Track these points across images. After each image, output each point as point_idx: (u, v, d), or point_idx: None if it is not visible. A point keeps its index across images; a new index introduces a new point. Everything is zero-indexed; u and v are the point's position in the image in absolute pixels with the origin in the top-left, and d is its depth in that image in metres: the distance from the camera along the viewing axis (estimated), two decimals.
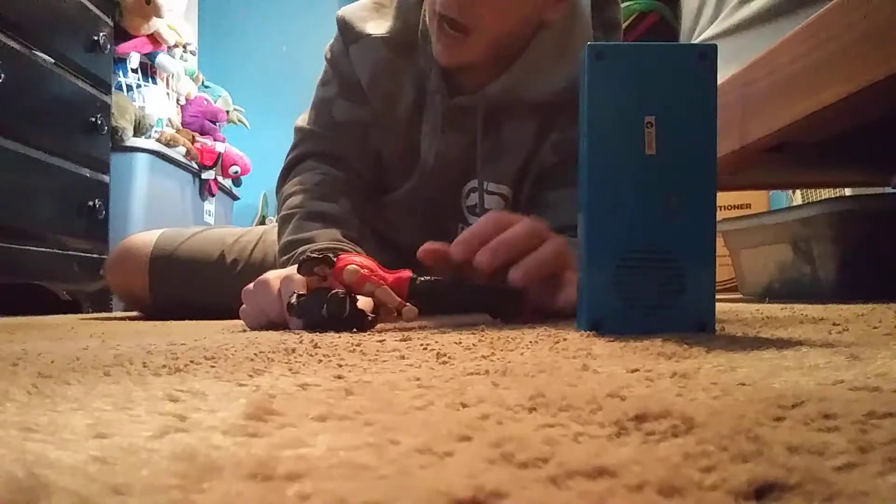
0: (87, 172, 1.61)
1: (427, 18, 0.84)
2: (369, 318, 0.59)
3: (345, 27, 0.91)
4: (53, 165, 1.47)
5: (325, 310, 0.57)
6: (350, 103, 0.93)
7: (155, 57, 2.15)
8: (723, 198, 2.05)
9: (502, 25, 0.79)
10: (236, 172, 2.48)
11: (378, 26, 0.89)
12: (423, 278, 0.63)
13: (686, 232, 0.47)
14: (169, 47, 2.20)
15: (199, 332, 0.64)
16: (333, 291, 0.58)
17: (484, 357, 0.37)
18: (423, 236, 0.67)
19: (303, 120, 0.97)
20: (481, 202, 0.90)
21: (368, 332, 0.56)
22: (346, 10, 0.92)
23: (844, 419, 0.19)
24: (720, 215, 1.71)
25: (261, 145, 2.76)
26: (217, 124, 2.50)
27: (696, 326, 0.47)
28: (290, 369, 0.33)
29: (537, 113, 0.87)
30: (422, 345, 0.43)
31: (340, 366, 0.34)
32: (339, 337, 0.51)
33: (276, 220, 0.92)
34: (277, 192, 0.95)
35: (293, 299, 0.59)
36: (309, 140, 0.95)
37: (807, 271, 1.19)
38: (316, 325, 0.59)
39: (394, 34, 0.89)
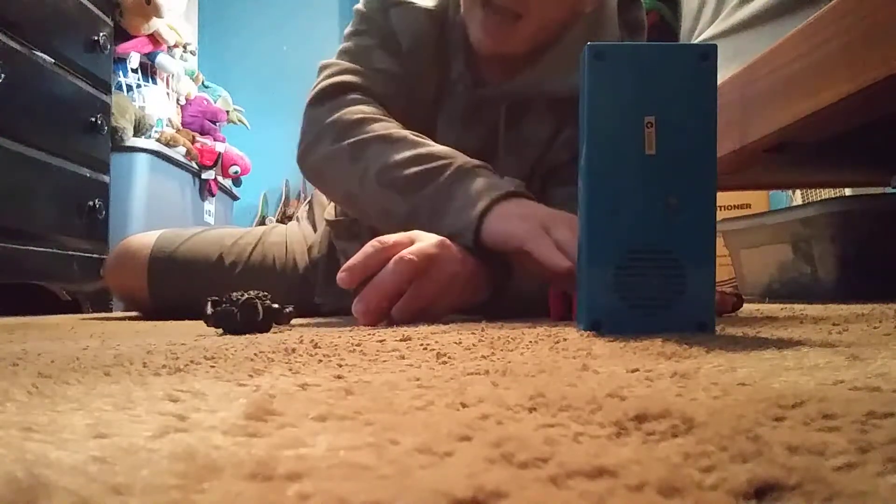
0: (87, 172, 1.61)
1: (463, 6, 0.83)
2: (285, 311, 0.63)
3: None
4: (53, 165, 1.47)
5: (240, 316, 0.59)
6: (390, 55, 0.86)
7: (155, 57, 2.15)
8: (723, 198, 2.05)
9: (551, 12, 0.79)
10: (236, 172, 2.48)
11: None
12: None
13: (686, 232, 0.47)
14: (169, 47, 2.20)
15: (198, 332, 0.64)
16: (245, 299, 0.60)
17: (484, 357, 0.37)
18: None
19: (333, 61, 0.89)
20: None
21: (368, 333, 0.56)
22: None
23: (844, 419, 0.19)
24: (720, 215, 1.71)
25: (261, 145, 2.76)
26: (217, 124, 2.50)
27: (696, 326, 0.47)
28: (290, 369, 0.33)
29: (556, 110, 0.88)
30: (422, 345, 0.43)
31: (340, 366, 0.34)
32: (339, 337, 0.51)
33: (316, 145, 0.81)
34: (308, 111, 0.84)
35: (209, 310, 0.60)
36: (350, 73, 0.85)
37: (807, 271, 1.19)
38: (235, 331, 0.60)
39: (439, 10, 0.86)
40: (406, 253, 0.62)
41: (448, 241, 0.66)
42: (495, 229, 0.67)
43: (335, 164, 0.81)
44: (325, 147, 0.81)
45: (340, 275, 0.63)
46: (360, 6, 0.92)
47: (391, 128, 0.79)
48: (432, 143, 0.77)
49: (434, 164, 0.73)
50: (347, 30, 0.92)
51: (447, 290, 0.65)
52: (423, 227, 0.70)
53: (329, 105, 0.83)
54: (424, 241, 0.64)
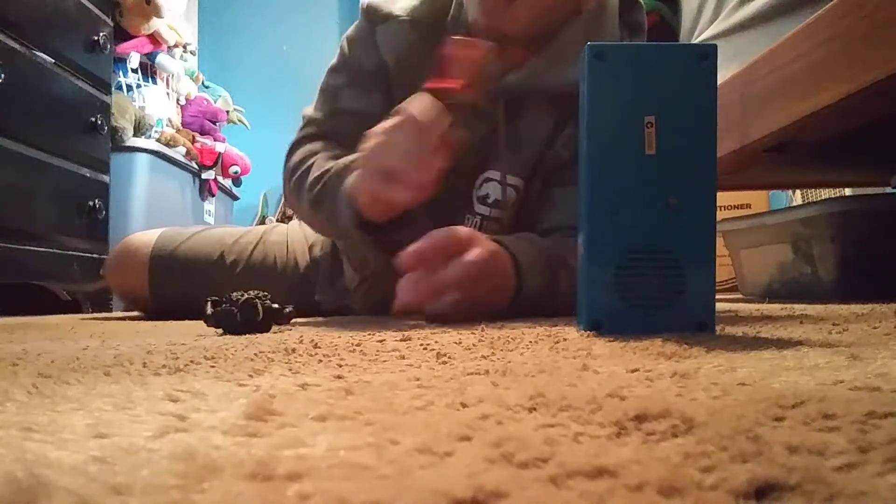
0: (87, 172, 1.61)
1: None
2: (285, 311, 0.64)
3: (371, 11, 0.92)
4: (53, 165, 1.47)
5: (240, 316, 0.59)
6: (358, 92, 0.92)
7: (155, 57, 2.15)
8: (723, 198, 2.05)
9: None
10: (236, 172, 2.48)
11: (405, 6, 0.90)
12: None
13: (686, 232, 0.47)
14: (169, 47, 2.20)
15: (198, 332, 0.64)
16: (245, 299, 0.60)
17: (484, 357, 0.37)
18: (430, 228, 0.67)
19: (311, 108, 0.98)
20: (504, 194, 0.90)
21: (368, 333, 0.56)
22: None
23: (844, 419, 0.19)
24: (720, 215, 1.71)
25: (261, 145, 2.75)
26: (217, 124, 2.50)
27: (696, 326, 0.47)
28: (290, 369, 0.33)
29: (555, 106, 0.88)
30: (422, 345, 0.43)
31: (340, 366, 0.34)
32: (339, 337, 0.51)
33: (286, 192, 0.94)
34: (283, 172, 0.95)
35: (209, 310, 0.61)
36: (311, 125, 0.95)
37: (807, 271, 1.19)
38: (235, 331, 0.60)
39: (421, 16, 0.89)
40: (473, 259, 0.64)
41: (500, 251, 0.69)
42: (354, 192, 0.73)
43: (293, 200, 0.93)
44: (287, 190, 0.95)
45: (405, 258, 0.64)
46: (343, 39, 0.96)
47: (316, 157, 0.88)
48: (336, 159, 0.84)
49: (325, 178, 0.82)
50: (330, 63, 0.97)
51: (490, 297, 0.68)
52: (337, 233, 0.80)
53: (293, 157, 0.93)
54: (483, 247, 0.67)
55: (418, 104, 0.69)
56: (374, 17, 0.91)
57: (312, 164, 0.86)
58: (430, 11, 0.89)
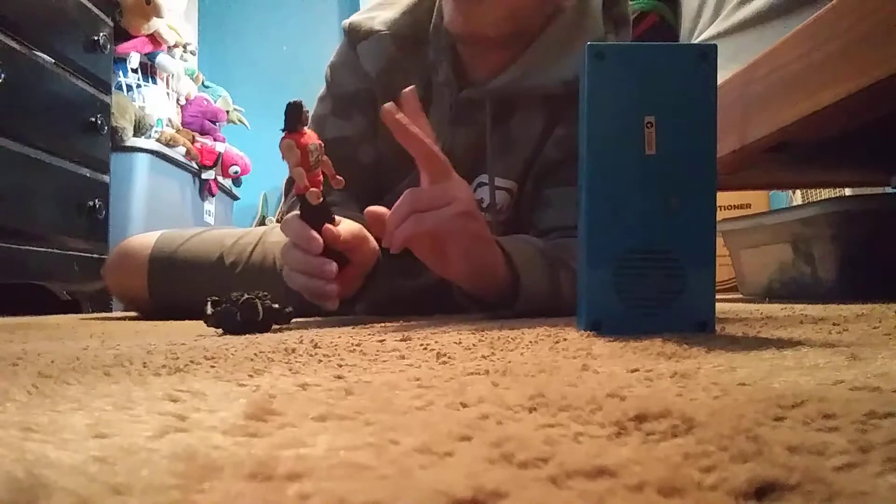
0: (87, 172, 1.61)
1: None
2: (285, 311, 0.64)
3: (352, 30, 0.92)
4: (53, 165, 1.47)
5: (240, 316, 0.60)
6: (339, 120, 0.94)
7: (155, 57, 2.15)
8: (723, 198, 2.05)
9: None
10: (236, 172, 2.48)
11: (385, 19, 0.91)
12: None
13: (686, 232, 0.47)
14: (169, 47, 2.20)
15: (198, 332, 0.64)
16: (245, 299, 0.60)
17: (484, 357, 0.37)
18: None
19: None
20: (492, 197, 0.89)
21: (368, 333, 0.56)
22: (352, 17, 0.95)
23: (844, 419, 0.19)
24: (720, 215, 1.71)
25: (261, 145, 2.75)
26: (217, 124, 2.50)
27: (696, 326, 0.47)
28: (290, 369, 0.33)
29: (545, 106, 0.88)
30: (422, 345, 0.43)
31: (340, 366, 0.34)
32: (339, 337, 0.51)
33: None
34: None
35: (209, 310, 0.61)
36: None
37: (807, 271, 1.19)
38: (235, 331, 0.60)
39: (401, 29, 0.90)
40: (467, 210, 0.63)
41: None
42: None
43: None
44: None
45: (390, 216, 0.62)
46: (326, 68, 0.97)
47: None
48: None
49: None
50: (319, 93, 0.99)
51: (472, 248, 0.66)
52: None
53: (286, 199, 0.97)
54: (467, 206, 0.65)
55: (286, 226, 0.70)
56: (356, 36, 0.92)
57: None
58: (410, 23, 0.90)
